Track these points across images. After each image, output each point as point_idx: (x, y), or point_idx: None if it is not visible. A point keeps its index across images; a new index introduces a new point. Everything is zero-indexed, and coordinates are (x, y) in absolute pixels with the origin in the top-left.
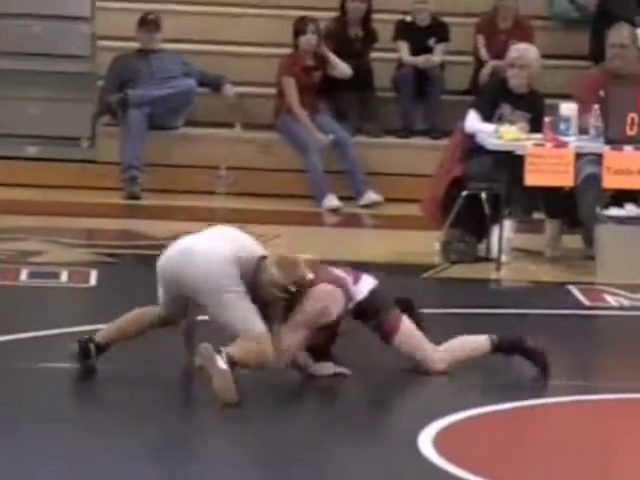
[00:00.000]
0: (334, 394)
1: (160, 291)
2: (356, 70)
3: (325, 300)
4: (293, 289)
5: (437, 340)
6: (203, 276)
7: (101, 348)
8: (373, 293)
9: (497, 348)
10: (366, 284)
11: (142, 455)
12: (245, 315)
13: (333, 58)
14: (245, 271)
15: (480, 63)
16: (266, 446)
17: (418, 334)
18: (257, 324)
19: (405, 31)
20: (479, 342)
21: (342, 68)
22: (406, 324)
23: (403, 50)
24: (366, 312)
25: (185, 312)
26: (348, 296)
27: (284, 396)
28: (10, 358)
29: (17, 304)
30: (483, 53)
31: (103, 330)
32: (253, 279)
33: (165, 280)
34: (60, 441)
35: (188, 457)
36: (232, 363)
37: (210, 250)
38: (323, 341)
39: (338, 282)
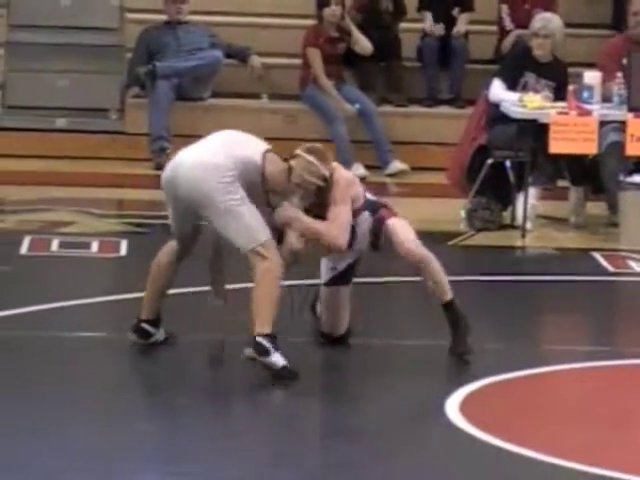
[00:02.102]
0: (363, 363)
1: (170, 213)
2: (383, 41)
3: (352, 179)
4: (328, 176)
5: (466, 307)
6: (196, 186)
7: (155, 321)
8: (382, 200)
9: (447, 306)
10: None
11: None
12: (248, 223)
13: (356, 33)
14: (248, 169)
15: (504, 32)
16: (295, 413)
17: (409, 228)
18: (261, 232)
19: (429, 1)
20: (448, 286)
21: (364, 44)
22: (401, 219)
23: (427, 20)
24: (377, 206)
25: (197, 232)
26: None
27: (314, 365)
28: (42, 327)
29: (48, 274)
30: (507, 22)
31: (144, 306)
32: (262, 176)
33: (167, 198)
34: (97, 405)
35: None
36: (272, 337)
37: (200, 158)
38: None
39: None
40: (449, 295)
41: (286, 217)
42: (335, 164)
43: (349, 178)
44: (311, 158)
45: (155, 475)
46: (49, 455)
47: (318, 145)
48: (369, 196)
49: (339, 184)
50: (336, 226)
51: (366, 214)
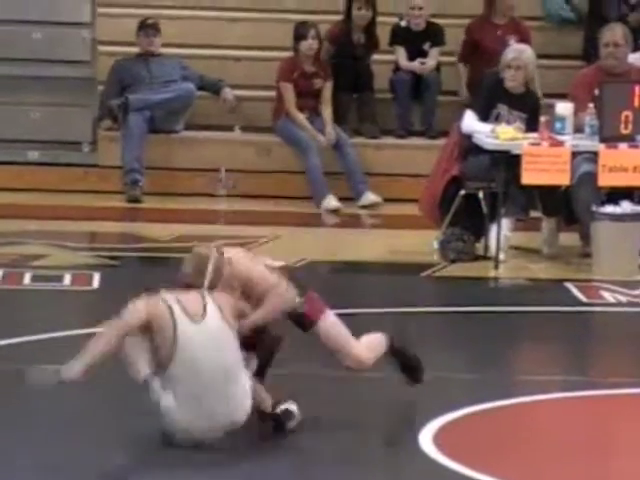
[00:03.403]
0: (335, 394)
1: None
2: (356, 73)
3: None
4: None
5: (439, 338)
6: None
7: None
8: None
9: (389, 350)
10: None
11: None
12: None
13: (328, 120)
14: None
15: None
16: (268, 448)
17: (342, 325)
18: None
19: (401, 36)
20: (382, 340)
21: (326, 134)
22: (330, 313)
23: (400, 55)
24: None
25: None
26: None
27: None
28: (14, 361)
29: (21, 307)
30: (459, 57)
31: None
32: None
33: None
34: (65, 441)
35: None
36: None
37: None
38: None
39: None
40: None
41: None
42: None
43: (239, 256)
44: (210, 267)
45: None
46: None
47: (189, 259)
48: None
49: (238, 268)
50: (276, 290)
51: None
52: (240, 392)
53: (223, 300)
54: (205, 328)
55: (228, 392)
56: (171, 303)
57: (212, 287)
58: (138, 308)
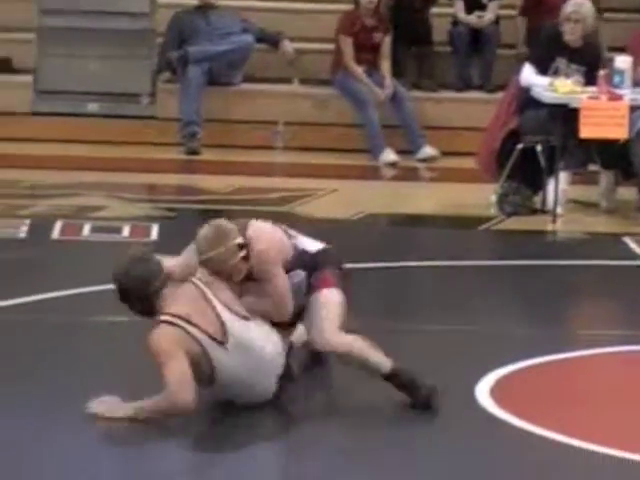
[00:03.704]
0: (389, 348)
1: None
2: (414, 26)
3: (270, 244)
4: (242, 241)
5: (496, 292)
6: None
7: None
8: (326, 251)
9: (390, 376)
10: (314, 243)
11: None
12: None
13: (386, 73)
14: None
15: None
16: (317, 407)
17: (337, 310)
18: None
19: None
20: (381, 358)
21: (384, 88)
22: (335, 292)
23: (458, 8)
24: (316, 263)
25: None
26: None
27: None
28: (73, 311)
29: (80, 259)
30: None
31: None
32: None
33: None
34: (125, 386)
35: None
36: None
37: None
38: None
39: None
40: (386, 366)
41: None
42: (250, 224)
43: (267, 245)
44: (214, 252)
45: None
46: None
47: (209, 229)
48: (307, 246)
49: (260, 258)
50: (277, 301)
51: (297, 274)
52: (275, 350)
53: (224, 296)
54: (233, 342)
55: (273, 367)
56: (195, 334)
57: (204, 264)
58: (181, 361)
